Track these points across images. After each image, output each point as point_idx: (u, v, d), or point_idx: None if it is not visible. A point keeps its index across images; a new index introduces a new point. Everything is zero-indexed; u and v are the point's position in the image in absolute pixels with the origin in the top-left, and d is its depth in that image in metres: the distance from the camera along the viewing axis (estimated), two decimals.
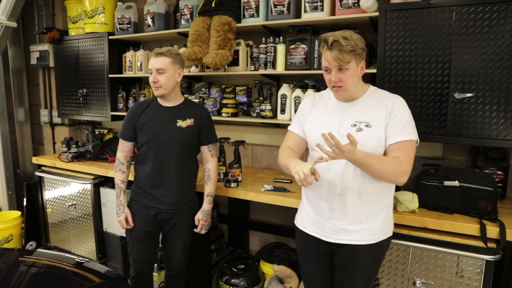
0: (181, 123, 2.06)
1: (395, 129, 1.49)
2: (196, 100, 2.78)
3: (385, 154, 1.53)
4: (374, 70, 2.13)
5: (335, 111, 1.61)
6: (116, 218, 2.13)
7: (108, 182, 2.95)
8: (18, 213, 3.43)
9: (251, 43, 2.69)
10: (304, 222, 1.71)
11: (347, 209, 1.56)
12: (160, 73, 1.97)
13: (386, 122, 1.51)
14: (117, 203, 2.13)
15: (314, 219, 1.65)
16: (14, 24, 3.16)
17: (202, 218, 2.15)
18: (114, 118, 3.24)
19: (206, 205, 2.16)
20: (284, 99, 2.50)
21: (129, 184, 2.20)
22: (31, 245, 3.38)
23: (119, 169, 2.14)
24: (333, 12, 2.30)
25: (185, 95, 2.83)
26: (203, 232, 2.18)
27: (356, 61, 1.49)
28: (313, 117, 1.66)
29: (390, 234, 1.64)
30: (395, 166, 1.47)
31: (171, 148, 2.04)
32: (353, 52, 1.46)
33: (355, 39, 1.47)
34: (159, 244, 2.24)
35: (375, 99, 1.57)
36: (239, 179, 2.44)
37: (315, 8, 2.30)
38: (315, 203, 1.64)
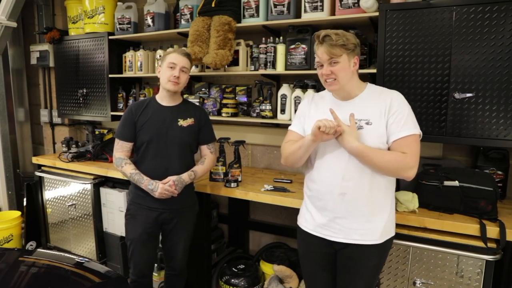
0: (182, 122, 2.07)
1: (397, 126, 1.50)
2: (196, 100, 2.79)
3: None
4: (374, 70, 2.13)
5: (334, 110, 1.60)
6: (157, 193, 1.96)
7: (108, 182, 2.95)
8: (18, 213, 3.43)
9: (251, 43, 2.69)
10: (308, 223, 1.69)
11: (351, 209, 1.55)
12: (183, 71, 2.03)
13: (386, 118, 1.51)
14: (145, 185, 1.98)
15: (319, 221, 1.64)
16: (14, 24, 3.16)
17: (174, 181, 1.99)
18: (114, 118, 3.24)
19: (185, 175, 2.05)
20: (284, 99, 2.50)
21: (127, 185, 2.18)
22: (31, 245, 3.38)
23: (125, 163, 2.04)
24: (333, 12, 2.30)
25: (185, 95, 2.85)
26: (164, 192, 1.98)
27: (348, 56, 1.52)
28: (312, 117, 1.66)
29: (393, 233, 1.64)
30: (398, 159, 1.47)
31: (173, 147, 2.05)
32: (344, 46, 1.50)
33: (346, 34, 1.52)
34: (159, 245, 2.23)
35: (373, 96, 1.58)
36: (239, 179, 2.43)
37: (315, 8, 2.30)
38: (319, 204, 1.63)
